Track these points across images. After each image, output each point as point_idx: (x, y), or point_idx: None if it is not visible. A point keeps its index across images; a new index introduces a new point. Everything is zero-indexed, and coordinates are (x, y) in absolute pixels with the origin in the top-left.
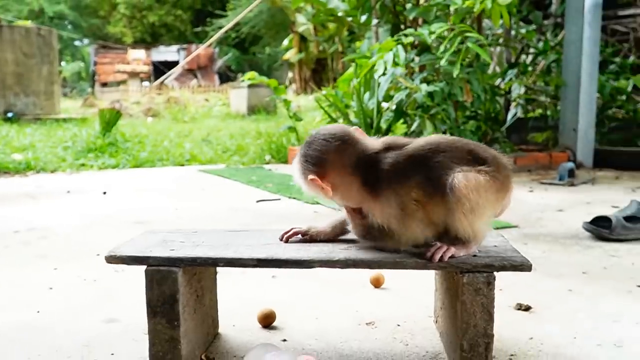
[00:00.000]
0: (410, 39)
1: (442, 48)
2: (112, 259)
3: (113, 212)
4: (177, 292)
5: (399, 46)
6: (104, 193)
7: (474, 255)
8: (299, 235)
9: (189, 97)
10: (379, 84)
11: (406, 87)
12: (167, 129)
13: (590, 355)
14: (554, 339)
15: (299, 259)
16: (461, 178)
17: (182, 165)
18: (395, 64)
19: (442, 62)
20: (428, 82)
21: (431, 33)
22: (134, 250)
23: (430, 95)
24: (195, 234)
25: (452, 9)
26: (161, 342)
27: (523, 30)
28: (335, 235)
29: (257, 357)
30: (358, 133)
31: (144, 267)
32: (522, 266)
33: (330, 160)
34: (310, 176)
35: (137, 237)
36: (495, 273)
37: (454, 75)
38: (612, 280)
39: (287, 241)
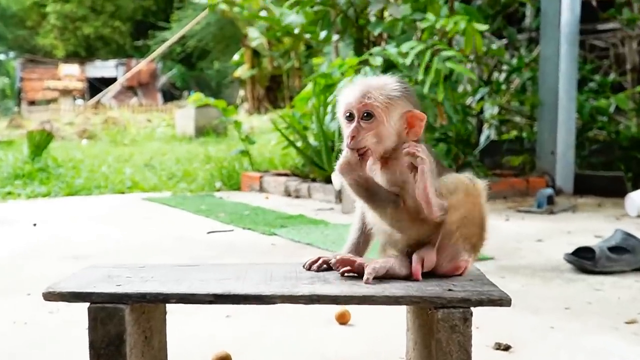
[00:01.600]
0: (380, 60)
1: (420, 72)
2: (50, 296)
3: (45, 245)
4: (124, 332)
5: (367, 69)
6: (34, 225)
7: (449, 290)
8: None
9: (129, 118)
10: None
11: None
12: (104, 152)
13: None
14: None
15: (259, 294)
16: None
17: (123, 193)
18: None
19: (425, 90)
20: None
21: (401, 53)
22: (75, 285)
23: None
24: (143, 269)
25: (421, 25)
26: None
27: (494, 46)
28: (360, 255)
29: None
30: None
31: (86, 305)
32: (501, 301)
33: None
34: (413, 112)
35: (78, 272)
36: (472, 308)
37: (440, 99)
38: (596, 316)
39: (317, 270)
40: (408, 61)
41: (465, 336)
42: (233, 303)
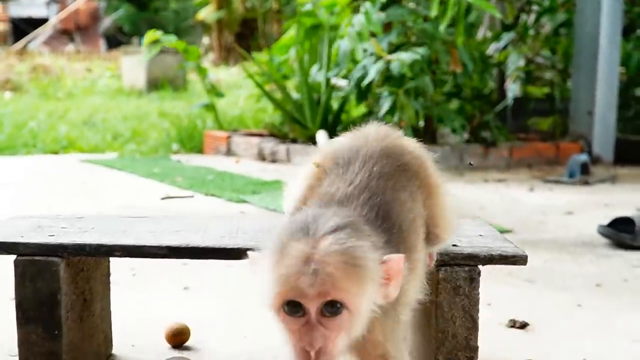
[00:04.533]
0: None
1: (434, 7)
2: None
3: None
4: (59, 291)
5: (367, 4)
6: None
7: (454, 245)
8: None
9: (64, 66)
10: (335, 50)
11: (375, 55)
12: (33, 107)
13: None
14: None
15: (223, 247)
16: None
17: (57, 153)
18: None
19: (441, 28)
20: (398, 46)
21: None
22: None
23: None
24: (82, 220)
25: None
26: (36, 358)
27: None
28: None
29: None
30: None
31: (12, 257)
32: (515, 258)
33: None
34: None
35: (2, 221)
36: (480, 268)
37: (459, 43)
38: (633, 294)
39: None
40: None
41: (471, 300)
42: (192, 257)
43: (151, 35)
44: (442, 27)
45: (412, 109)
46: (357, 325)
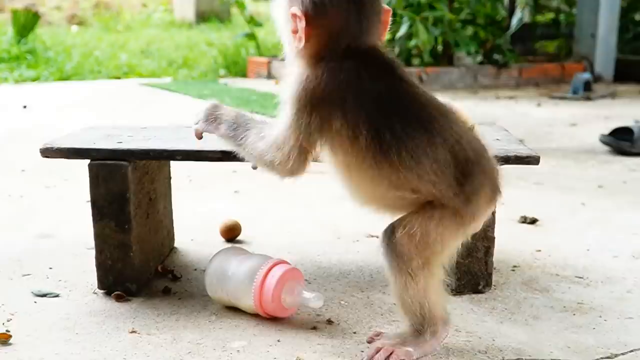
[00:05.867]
0: None
1: None
2: (48, 152)
3: (37, 127)
4: (127, 190)
5: None
6: (24, 107)
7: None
8: None
9: (122, 2)
10: None
11: None
12: (97, 38)
13: (606, 266)
14: (563, 252)
15: None
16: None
17: (119, 78)
18: None
19: None
20: None
21: None
22: (74, 142)
23: None
24: (145, 129)
25: None
26: (110, 249)
27: None
28: None
29: (223, 261)
30: None
31: (86, 169)
32: (529, 158)
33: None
34: (294, 10)
35: (75, 131)
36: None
37: None
38: (631, 194)
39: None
40: None
41: None
42: (241, 160)
43: None
44: None
45: (425, 34)
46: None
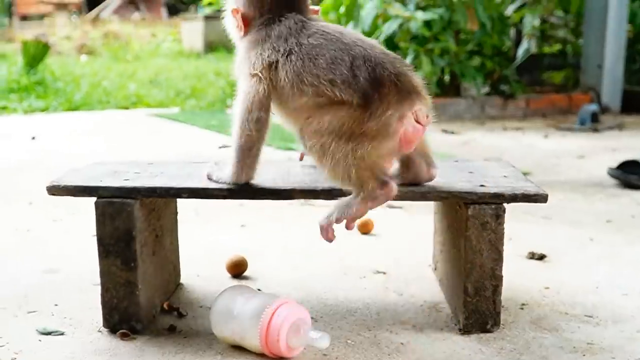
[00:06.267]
0: None
1: None
2: (55, 190)
3: (45, 158)
4: (134, 228)
5: None
6: (33, 138)
7: (481, 185)
8: None
9: (132, 32)
10: (363, 12)
11: (397, 16)
12: (106, 68)
13: (615, 304)
14: (572, 288)
15: (276, 189)
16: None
17: (127, 108)
18: None
19: None
20: (423, 8)
21: None
22: (81, 180)
23: (428, 24)
24: (152, 165)
25: None
26: (116, 287)
27: None
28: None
29: (229, 300)
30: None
31: (92, 204)
32: (537, 196)
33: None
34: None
35: (82, 168)
36: (506, 208)
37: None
38: None
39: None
40: None
41: (497, 234)
42: (247, 198)
43: None
44: None
45: (430, 66)
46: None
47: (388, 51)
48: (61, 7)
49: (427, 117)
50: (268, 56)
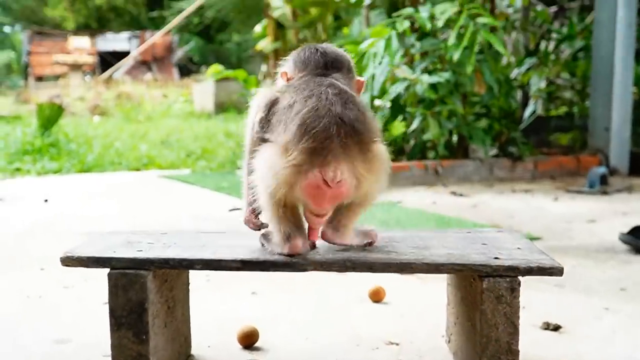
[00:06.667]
0: (407, 24)
1: (452, 37)
2: (68, 261)
3: (57, 221)
4: (146, 300)
5: (393, 33)
6: (46, 201)
7: (495, 258)
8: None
9: (144, 93)
10: (372, 75)
11: (405, 79)
12: (118, 129)
13: None
14: None
15: (289, 261)
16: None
17: (139, 170)
18: (388, 55)
19: (455, 57)
20: (430, 72)
21: (432, 16)
22: (94, 250)
23: (434, 87)
24: (165, 235)
25: None
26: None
27: (539, 8)
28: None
29: None
30: None
31: (105, 272)
32: (552, 269)
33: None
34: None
35: (96, 238)
36: (520, 279)
37: (468, 71)
38: None
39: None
40: (440, 24)
41: (512, 308)
42: (261, 270)
43: (214, 68)
44: (456, 55)
45: (437, 128)
46: None
47: (361, 110)
48: (75, 68)
49: (339, 181)
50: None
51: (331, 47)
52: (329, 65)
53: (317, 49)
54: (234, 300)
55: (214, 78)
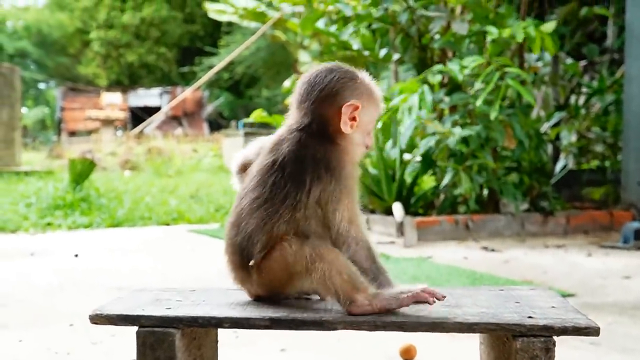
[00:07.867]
0: (438, 78)
1: (476, 86)
2: (97, 319)
3: (87, 276)
4: (174, 359)
5: (425, 87)
6: (76, 255)
7: (529, 317)
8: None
9: (174, 148)
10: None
11: (435, 133)
12: (148, 183)
13: None
14: None
15: (319, 320)
16: None
17: (168, 224)
18: (421, 108)
19: (478, 103)
20: (461, 126)
21: (462, 68)
22: (123, 308)
23: (465, 141)
24: (194, 293)
25: (488, 39)
26: None
27: (569, 61)
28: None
29: None
30: None
31: (134, 330)
32: (588, 329)
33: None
34: (353, 101)
35: (125, 295)
36: (555, 338)
37: (492, 118)
38: None
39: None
40: (465, 74)
41: None
42: (290, 328)
43: (257, 112)
44: (479, 101)
45: (469, 183)
46: None
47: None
48: (107, 123)
49: None
50: None
51: (321, 74)
52: (306, 98)
53: (306, 80)
54: (262, 358)
55: (247, 129)
